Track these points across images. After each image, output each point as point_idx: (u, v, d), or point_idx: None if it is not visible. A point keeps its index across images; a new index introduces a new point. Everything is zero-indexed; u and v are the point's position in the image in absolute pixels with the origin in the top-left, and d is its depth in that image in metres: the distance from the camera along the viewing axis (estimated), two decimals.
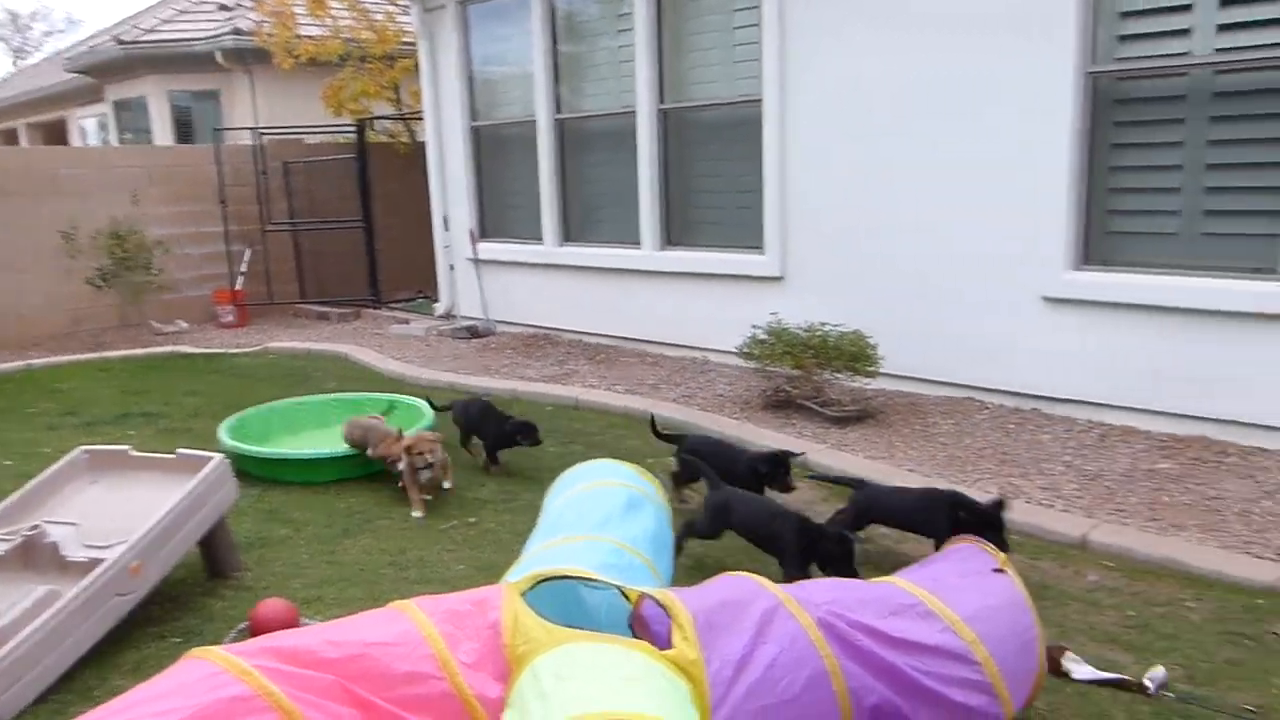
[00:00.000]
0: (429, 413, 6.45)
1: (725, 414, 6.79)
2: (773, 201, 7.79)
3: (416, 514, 5.20)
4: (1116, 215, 6.18)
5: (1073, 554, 4.50)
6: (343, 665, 2.57)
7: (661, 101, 8.59)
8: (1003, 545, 3.76)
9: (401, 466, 5.28)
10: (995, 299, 6.59)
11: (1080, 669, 3.44)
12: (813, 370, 6.61)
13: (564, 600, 3.01)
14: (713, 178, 8.47)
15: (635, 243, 8.97)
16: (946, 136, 6.69)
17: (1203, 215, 5.86)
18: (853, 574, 3.74)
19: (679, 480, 5.17)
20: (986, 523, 3.92)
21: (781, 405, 6.83)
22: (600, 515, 3.66)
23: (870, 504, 4.51)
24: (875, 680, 2.79)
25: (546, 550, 3.44)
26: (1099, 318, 6.19)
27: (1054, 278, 6.30)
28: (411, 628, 2.69)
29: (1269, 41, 5.45)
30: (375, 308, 12.45)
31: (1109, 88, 6.07)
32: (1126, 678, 3.39)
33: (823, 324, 6.76)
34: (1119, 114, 6.08)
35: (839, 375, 6.63)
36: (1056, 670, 3.40)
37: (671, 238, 8.79)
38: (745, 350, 6.97)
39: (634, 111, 8.74)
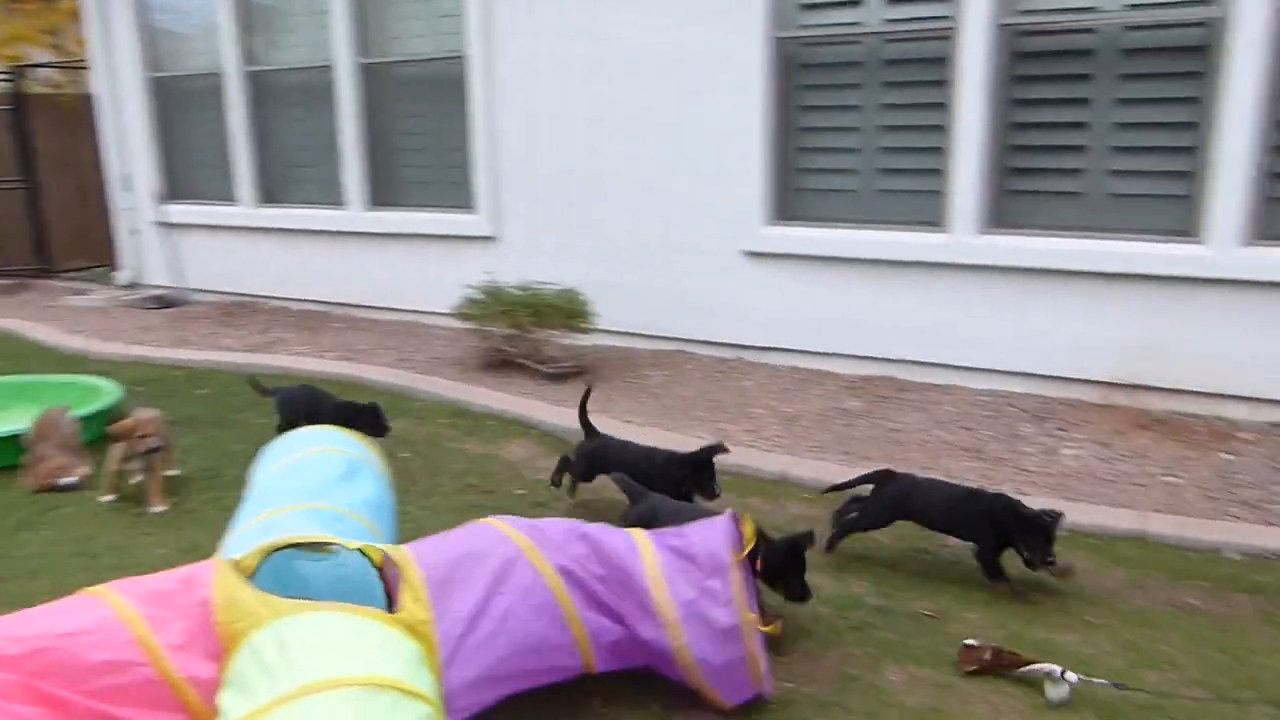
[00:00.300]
0: (110, 391, 5.85)
1: (442, 375, 6.67)
2: (483, 161, 7.69)
3: (158, 508, 4.60)
4: (805, 174, 6.64)
5: (777, 489, 4.82)
6: (27, 661, 2.30)
7: (362, 56, 8.20)
8: (1048, 555, 3.62)
9: (118, 452, 4.67)
10: (701, 255, 6.90)
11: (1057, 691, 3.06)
12: (529, 329, 6.63)
13: (280, 573, 2.84)
14: (420, 135, 8.23)
15: (341, 204, 8.56)
16: (652, 97, 6.88)
17: (878, 173, 6.42)
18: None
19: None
20: (1033, 529, 3.66)
21: (500, 365, 6.80)
22: (317, 482, 3.47)
23: (902, 499, 4.04)
24: (611, 621, 2.88)
25: (262, 522, 3.21)
26: (792, 270, 6.64)
27: (752, 233, 6.69)
28: (108, 613, 2.45)
29: (928, 15, 6.03)
30: (46, 278, 11.10)
31: (794, 53, 6.49)
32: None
33: (538, 282, 6.78)
34: (804, 78, 6.51)
35: (555, 333, 6.69)
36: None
37: (379, 198, 8.47)
38: (461, 311, 6.86)
39: (332, 66, 8.29)
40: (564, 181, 7.37)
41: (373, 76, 8.25)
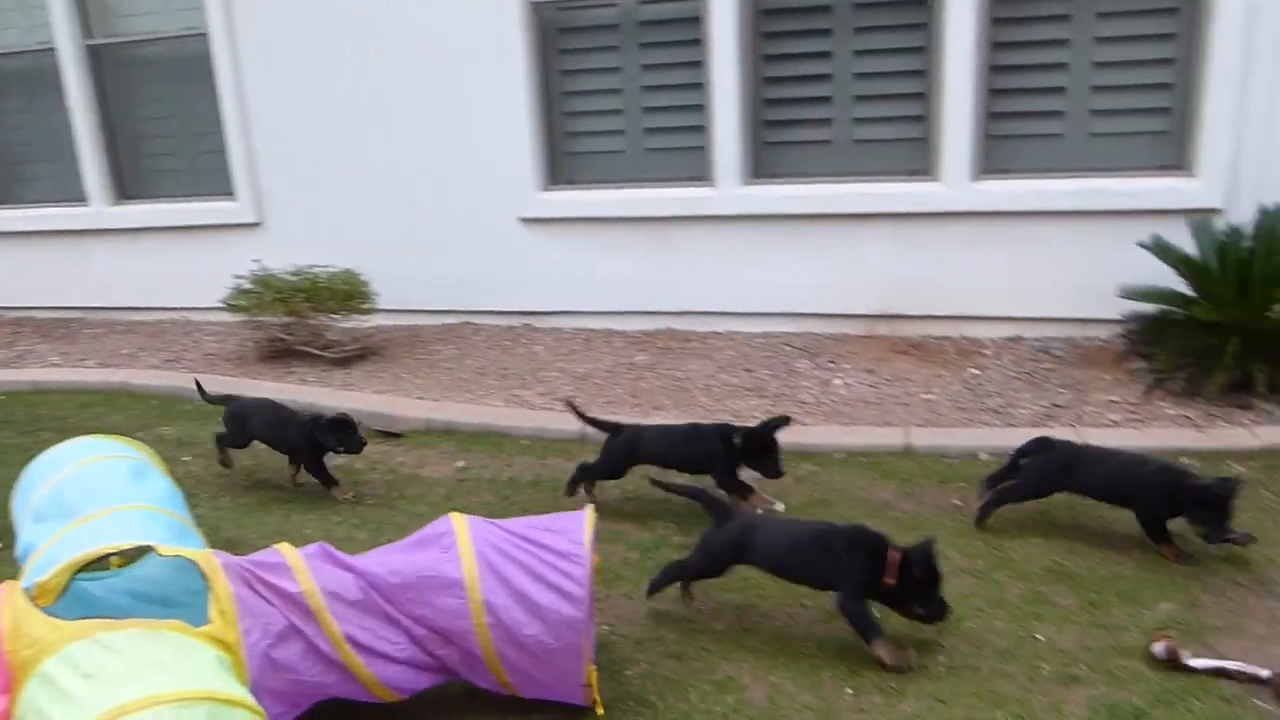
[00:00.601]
0: None
1: (219, 372, 6.35)
2: (238, 144, 7.30)
3: None
4: (574, 137, 6.74)
5: (575, 448, 4.93)
6: None
7: (88, 36, 7.57)
8: (1224, 527, 3.41)
9: None
10: (479, 225, 6.88)
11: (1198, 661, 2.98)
12: (307, 314, 6.41)
13: (79, 594, 2.67)
14: (166, 121, 7.71)
15: (81, 200, 7.90)
16: (412, 70, 6.75)
17: (644, 133, 6.61)
18: None
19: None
20: (1208, 502, 3.44)
21: (280, 354, 6.54)
22: (110, 488, 3.26)
23: (1063, 471, 3.79)
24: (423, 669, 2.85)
25: (75, 530, 2.99)
26: (571, 233, 6.75)
27: (527, 199, 6.73)
28: None
29: None
30: None
31: (552, 18, 6.54)
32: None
33: (312, 266, 6.56)
34: (564, 43, 6.59)
35: (335, 317, 6.51)
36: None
37: (125, 191, 7.88)
38: (231, 303, 6.54)
39: (55, 49, 7.60)
40: (329, 162, 7.12)
41: (104, 59, 7.64)
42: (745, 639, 3.22)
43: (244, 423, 4.64)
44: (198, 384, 5.11)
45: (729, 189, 6.36)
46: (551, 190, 6.75)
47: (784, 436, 4.86)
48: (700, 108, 6.38)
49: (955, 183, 5.97)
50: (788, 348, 6.21)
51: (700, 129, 6.42)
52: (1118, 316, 5.55)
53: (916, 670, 3.01)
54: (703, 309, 6.62)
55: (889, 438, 4.77)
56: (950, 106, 5.87)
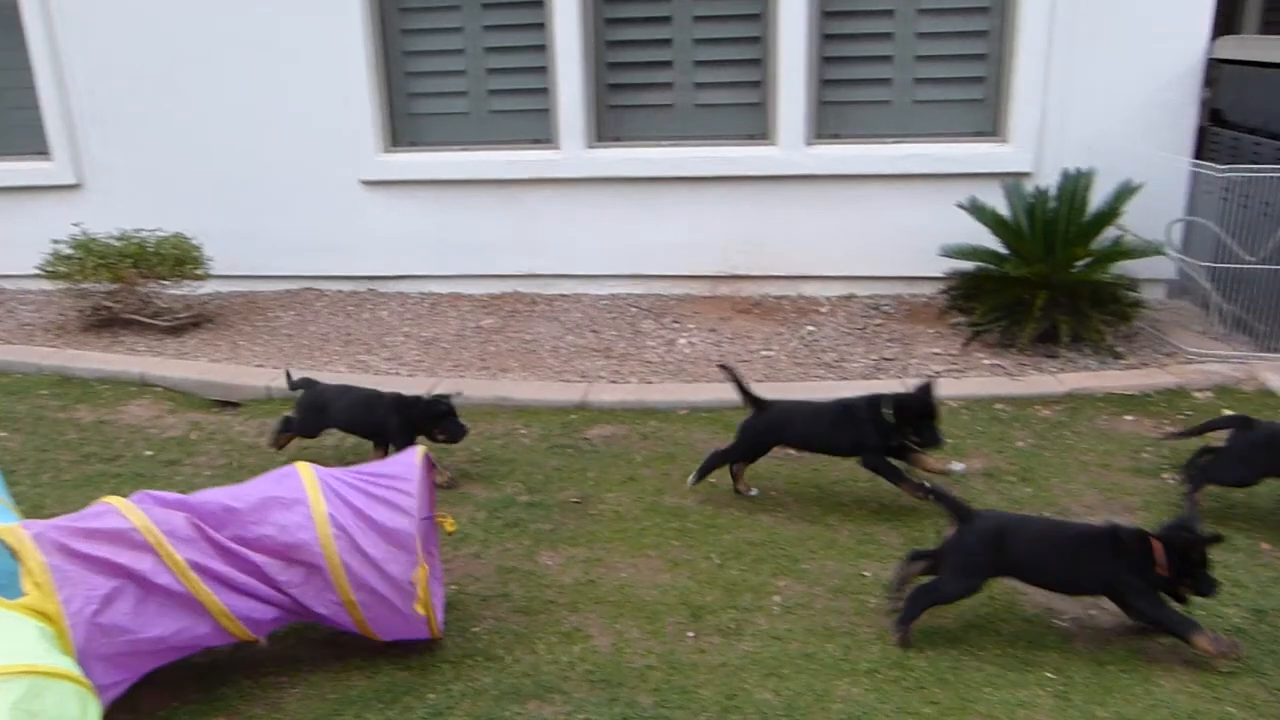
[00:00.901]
0: None
1: (37, 343, 5.98)
2: (51, 101, 6.83)
3: None
4: (417, 98, 6.61)
5: None
6: None
7: None
8: None
9: None
10: (319, 188, 6.67)
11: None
12: (135, 281, 6.10)
13: None
14: None
15: None
16: (243, 24, 6.45)
17: (489, 95, 6.54)
18: None
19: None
20: None
21: (106, 324, 6.20)
22: None
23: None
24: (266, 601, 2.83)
25: None
26: (415, 196, 6.64)
27: (368, 161, 6.57)
28: None
29: None
30: None
31: None
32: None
33: (139, 230, 6.23)
34: (404, 1, 6.43)
35: (165, 283, 6.22)
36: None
37: None
38: (49, 270, 6.14)
39: None
40: (156, 120, 6.74)
41: None
42: (592, 590, 3.32)
43: (321, 412, 4.27)
44: (287, 374, 4.57)
45: (574, 152, 6.38)
46: (393, 152, 6.61)
47: (629, 394, 5.00)
48: (544, 70, 6.36)
49: (791, 146, 6.18)
50: (634, 309, 6.32)
51: (544, 91, 6.40)
52: (941, 274, 5.89)
53: (754, 610, 3.17)
54: (550, 272, 6.65)
55: (730, 393, 4.90)
56: (785, 72, 6.05)
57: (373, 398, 4.24)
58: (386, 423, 4.12)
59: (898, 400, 3.67)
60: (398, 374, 5.32)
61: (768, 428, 3.86)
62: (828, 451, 3.89)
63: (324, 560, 2.76)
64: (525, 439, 4.56)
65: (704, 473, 3.91)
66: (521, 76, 6.46)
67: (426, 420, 4.11)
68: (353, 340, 5.89)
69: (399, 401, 4.16)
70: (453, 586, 3.33)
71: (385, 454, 4.10)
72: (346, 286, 6.87)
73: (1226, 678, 2.78)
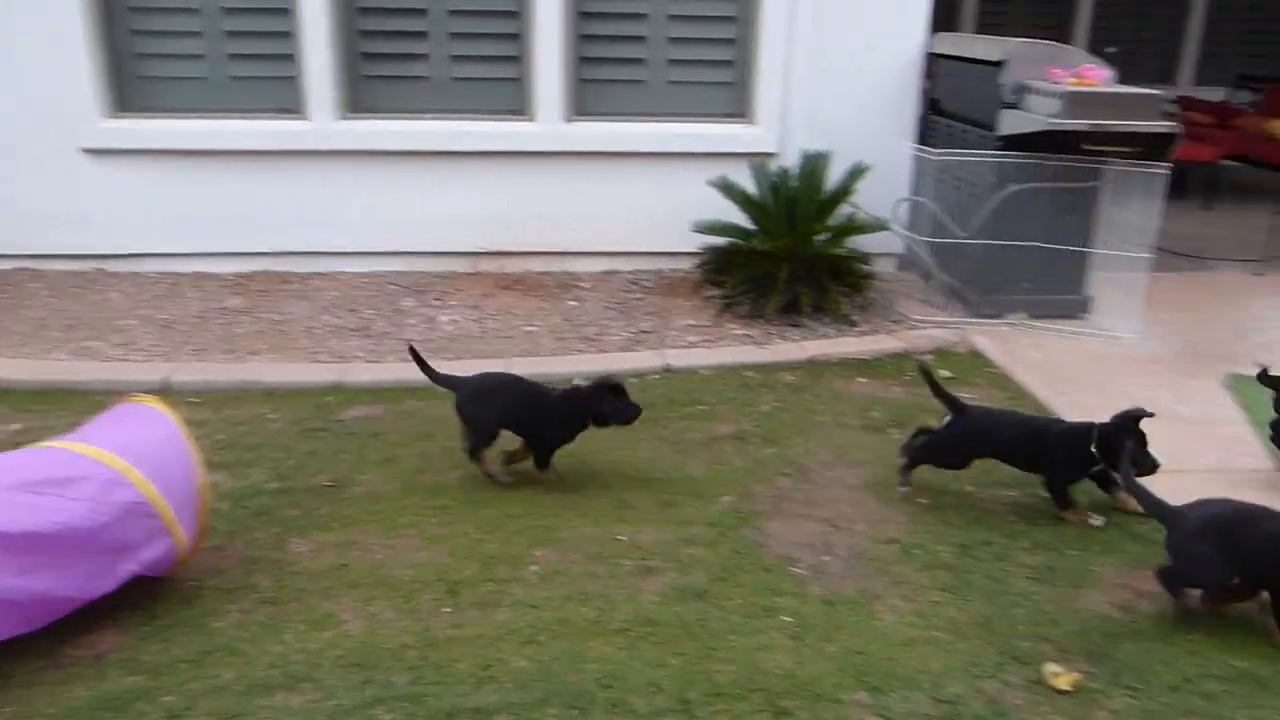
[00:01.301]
0: None
1: None
2: None
3: None
4: (146, 59, 6.10)
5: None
6: None
7: None
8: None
9: None
10: (28, 156, 6.02)
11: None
12: None
13: None
14: None
15: None
16: None
17: (229, 59, 6.14)
18: None
19: None
20: None
21: None
22: None
23: None
24: None
25: None
26: (147, 167, 6.14)
27: (90, 128, 6.01)
28: None
29: None
30: None
31: None
32: None
33: None
34: None
35: None
36: None
37: None
38: None
39: None
40: None
41: None
42: (344, 575, 3.23)
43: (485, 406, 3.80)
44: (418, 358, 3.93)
45: (324, 123, 6.12)
46: (120, 118, 6.09)
47: (388, 374, 4.90)
48: (289, 35, 6.04)
49: (549, 123, 6.20)
50: (393, 286, 6.16)
51: (290, 58, 6.09)
52: (695, 249, 6.11)
53: (511, 581, 3.20)
54: (303, 249, 6.35)
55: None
56: (542, 49, 6.06)
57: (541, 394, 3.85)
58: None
59: (1102, 431, 3.52)
60: (129, 359, 4.94)
61: (973, 437, 3.72)
62: (1021, 466, 3.77)
63: None
64: (274, 423, 4.36)
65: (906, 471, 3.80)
66: (264, 41, 6.11)
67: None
68: (77, 325, 5.40)
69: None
70: (193, 583, 3.14)
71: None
72: (71, 266, 6.27)
73: (936, 606, 3.09)
